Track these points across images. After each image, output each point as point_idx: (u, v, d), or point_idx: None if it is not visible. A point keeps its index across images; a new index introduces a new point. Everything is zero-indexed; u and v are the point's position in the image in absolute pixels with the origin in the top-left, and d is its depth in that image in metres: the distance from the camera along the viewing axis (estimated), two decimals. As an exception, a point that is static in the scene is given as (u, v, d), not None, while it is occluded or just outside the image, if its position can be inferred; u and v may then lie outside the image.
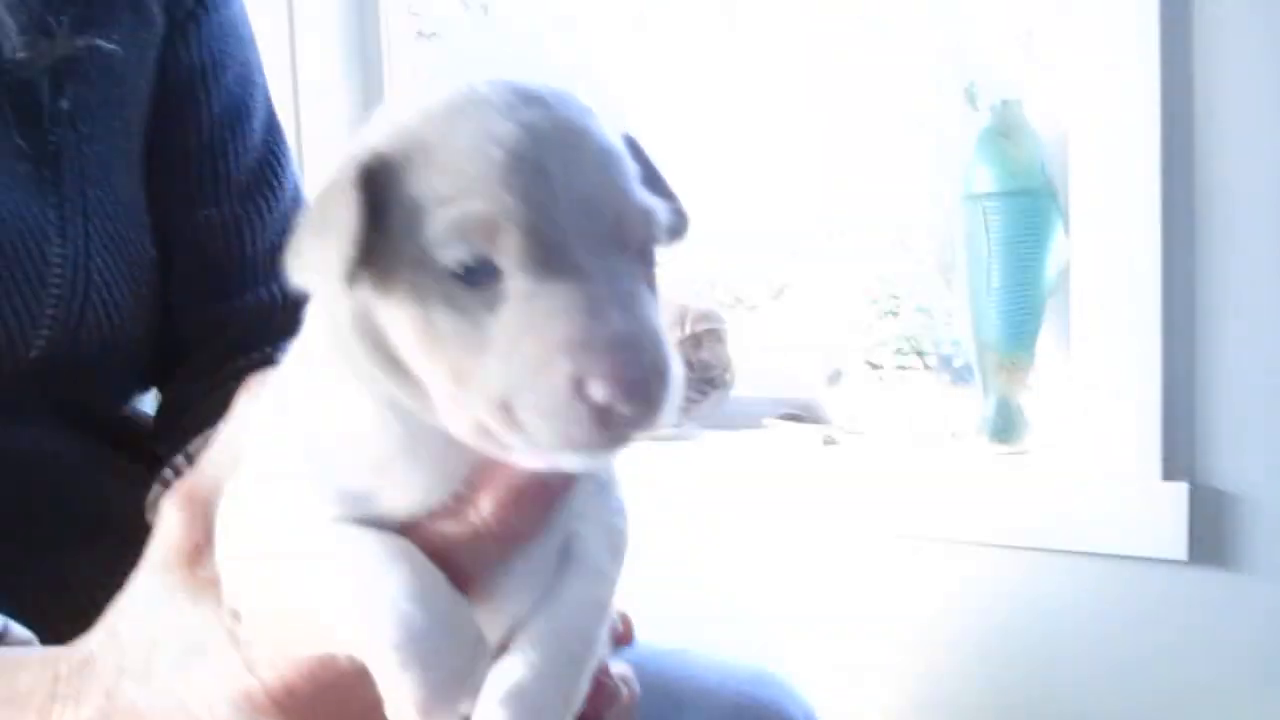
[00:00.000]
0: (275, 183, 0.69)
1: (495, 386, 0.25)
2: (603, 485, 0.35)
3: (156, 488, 0.57)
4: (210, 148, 0.65)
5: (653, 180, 0.30)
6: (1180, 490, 1.00)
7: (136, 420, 0.72)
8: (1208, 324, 1.01)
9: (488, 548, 0.31)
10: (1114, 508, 1.03)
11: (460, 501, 0.31)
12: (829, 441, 1.20)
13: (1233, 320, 1.00)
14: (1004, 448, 1.13)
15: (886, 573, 1.16)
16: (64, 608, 0.44)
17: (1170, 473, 1.01)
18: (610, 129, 0.28)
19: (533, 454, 0.27)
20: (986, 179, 1.09)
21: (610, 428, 0.25)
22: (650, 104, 1.42)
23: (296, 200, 0.70)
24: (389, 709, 0.29)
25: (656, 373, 0.26)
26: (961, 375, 1.39)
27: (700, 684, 0.77)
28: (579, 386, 0.25)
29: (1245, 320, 0.99)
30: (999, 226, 1.09)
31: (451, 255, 0.25)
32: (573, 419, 0.25)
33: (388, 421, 0.30)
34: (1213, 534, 1.01)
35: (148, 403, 0.74)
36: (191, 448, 0.58)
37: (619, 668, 0.42)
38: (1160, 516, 1.01)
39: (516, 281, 0.26)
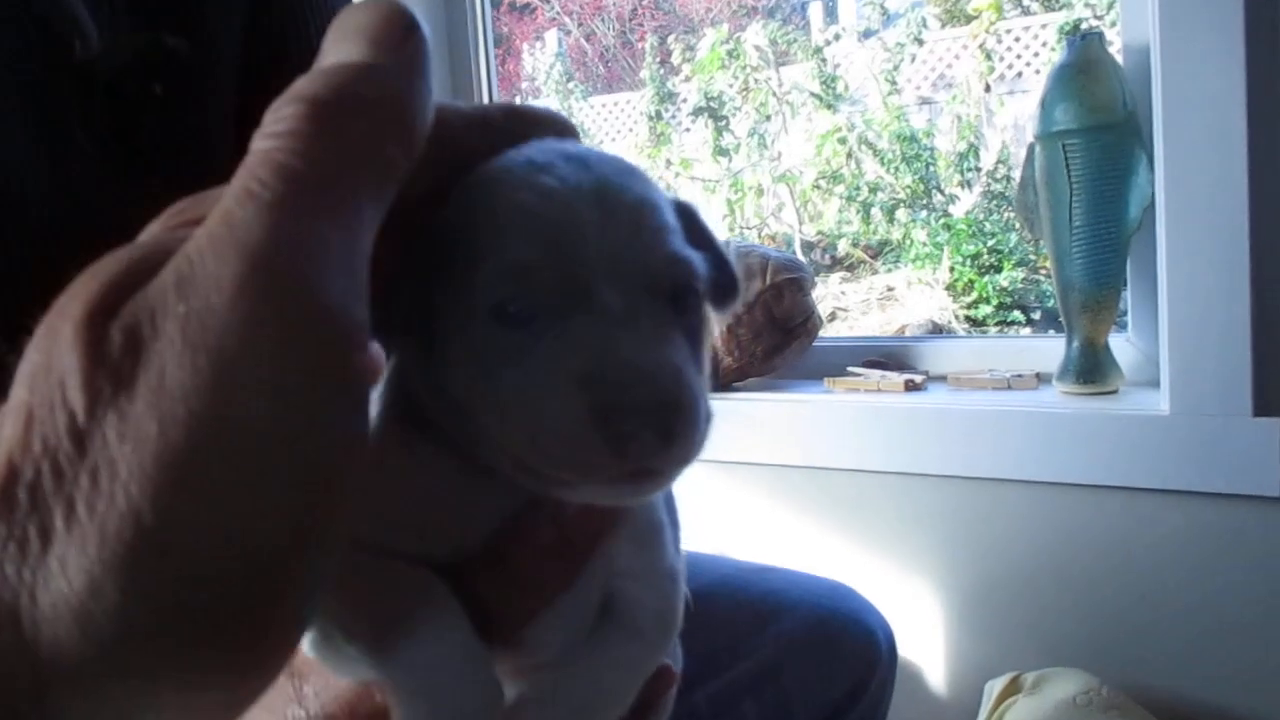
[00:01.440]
0: None
1: (528, 421, 0.26)
2: (646, 542, 0.35)
3: None
4: None
5: (703, 243, 0.31)
6: (1272, 426, 0.98)
7: None
8: (1300, 255, 0.98)
9: (516, 597, 0.32)
10: (1204, 445, 1.02)
11: (492, 550, 0.32)
12: (913, 386, 1.20)
13: (1326, 250, 0.97)
14: (1090, 388, 1.12)
15: (971, 514, 1.16)
16: None
17: (1261, 409, 0.99)
18: (653, 186, 0.30)
19: (567, 490, 0.28)
20: (1066, 116, 1.07)
21: (629, 458, 0.26)
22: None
23: None
24: None
25: (676, 406, 0.26)
26: (1058, 325, 1.38)
27: (784, 599, 0.81)
28: (597, 416, 0.25)
29: (1339, 250, 0.97)
30: (1079, 164, 1.08)
31: (493, 298, 0.27)
32: (592, 449, 0.26)
33: (440, 463, 0.31)
34: (1306, 469, 0.99)
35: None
36: None
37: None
38: (1252, 452, 1.00)
39: (547, 323, 0.27)
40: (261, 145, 0.22)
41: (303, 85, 0.23)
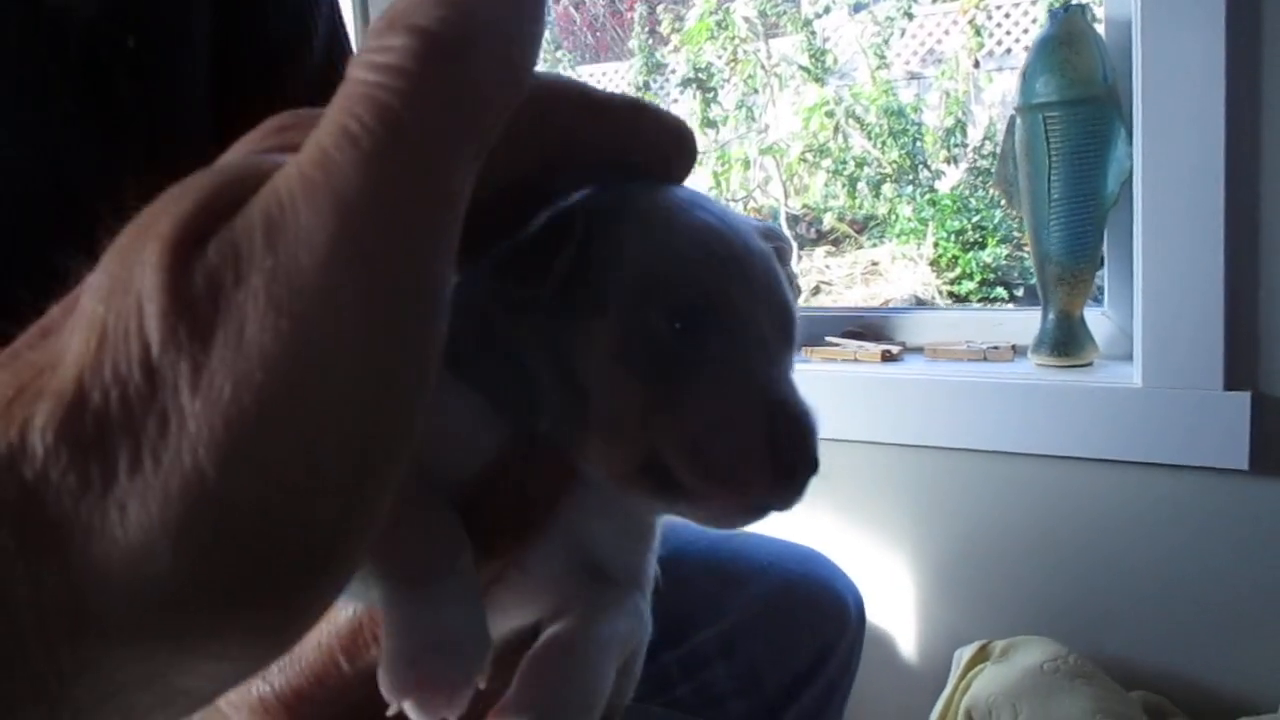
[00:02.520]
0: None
1: (690, 425, 0.27)
2: (636, 539, 0.35)
3: None
4: (271, 67, 0.66)
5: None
6: (1242, 400, 0.99)
7: None
8: (1272, 232, 0.99)
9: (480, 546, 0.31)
10: (1175, 418, 1.03)
11: (465, 497, 0.31)
12: (890, 356, 1.21)
13: (1300, 226, 0.98)
14: (1065, 361, 1.13)
15: (945, 484, 1.18)
16: None
17: (1231, 382, 1.00)
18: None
19: (686, 501, 0.29)
20: (1047, 88, 1.08)
21: (779, 488, 0.28)
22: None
23: None
24: (384, 680, 0.28)
25: (816, 460, 0.28)
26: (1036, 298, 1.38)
27: (754, 563, 0.82)
28: (774, 442, 0.27)
29: (1313, 226, 0.97)
30: (1059, 137, 1.08)
31: (676, 301, 0.28)
32: (756, 468, 0.27)
33: (467, 401, 0.31)
34: (1275, 443, 1.00)
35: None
36: None
37: None
38: (1222, 426, 1.01)
39: (723, 345, 0.28)
40: (362, 76, 0.19)
41: (411, 10, 0.20)
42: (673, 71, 2.99)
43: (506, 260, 0.28)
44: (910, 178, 2.75)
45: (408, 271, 0.19)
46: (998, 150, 1.19)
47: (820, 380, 1.21)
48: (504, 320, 0.30)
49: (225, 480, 0.17)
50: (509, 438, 0.31)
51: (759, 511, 0.29)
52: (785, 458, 0.27)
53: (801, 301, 2.12)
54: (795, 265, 1.29)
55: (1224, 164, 0.98)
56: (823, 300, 2.51)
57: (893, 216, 2.73)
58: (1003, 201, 1.20)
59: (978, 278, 2.47)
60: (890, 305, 2.44)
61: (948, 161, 2.72)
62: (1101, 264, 1.17)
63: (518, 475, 0.31)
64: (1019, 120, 1.13)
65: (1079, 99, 1.07)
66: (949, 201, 2.64)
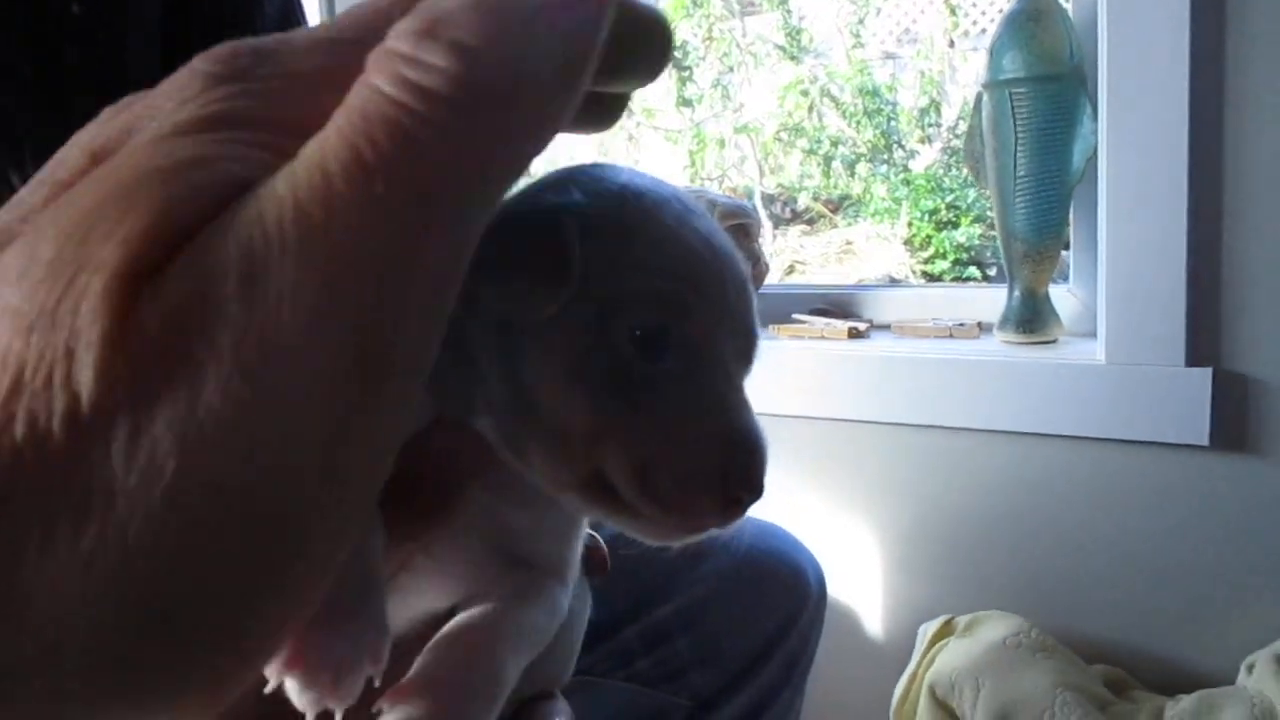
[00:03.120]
0: None
1: (640, 446, 0.27)
2: (560, 537, 0.35)
3: None
4: (222, 34, 0.67)
5: None
6: (1204, 376, 1.00)
7: None
8: (1234, 211, 0.99)
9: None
10: (1138, 395, 1.04)
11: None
12: (856, 334, 1.21)
13: (1260, 207, 0.98)
14: (1030, 338, 1.13)
15: (909, 460, 1.18)
16: None
17: (1194, 359, 1.01)
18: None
19: (627, 517, 0.28)
20: (1014, 64, 1.07)
21: (725, 515, 0.28)
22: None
23: None
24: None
25: (762, 489, 0.28)
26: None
27: (714, 537, 0.82)
28: (726, 477, 0.27)
29: (1272, 207, 0.98)
30: (1025, 113, 1.08)
31: (636, 318, 0.27)
32: (706, 499, 0.27)
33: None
34: (1235, 419, 1.01)
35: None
36: None
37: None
38: (1184, 402, 1.02)
39: (681, 364, 0.28)
40: (389, 91, 0.16)
41: (458, 19, 0.16)
42: (648, 49, 2.96)
43: (492, 270, 0.25)
44: (885, 157, 2.76)
45: (404, 353, 0.16)
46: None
47: (787, 357, 1.21)
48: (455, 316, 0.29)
49: (156, 574, 0.14)
50: (430, 419, 0.30)
51: (699, 531, 0.28)
52: (734, 489, 0.27)
53: (776, 280, 2.12)
54: (769, 244, 1.29)
55: (1187, 142, 0.98)
56: (796, 279, 2.51)
57: (867, 196, 2.73)
58: (974, 180, 1.20)
59: (951, 257, 2.48)
60: (863, 284, 2.44)
61: (922, 141, 2.72)
62: (1068, 242, 1.17)
63: (435, 458, 0.29)
64: (986, 97, 1.13)
65: (1045, 76, 1.07)
66: (923, 181, 2.65)
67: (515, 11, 0.16)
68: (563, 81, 0.17)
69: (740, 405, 0.29)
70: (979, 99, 1.15)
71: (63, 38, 0.57)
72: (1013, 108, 1.08)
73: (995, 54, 1.10)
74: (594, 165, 0.30)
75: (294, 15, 0.71)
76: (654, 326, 0.27)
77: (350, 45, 0.18)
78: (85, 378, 0.14)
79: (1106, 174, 1.02)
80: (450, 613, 0.33)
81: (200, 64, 0.18)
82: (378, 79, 0.16)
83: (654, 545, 0.30)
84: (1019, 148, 1.09)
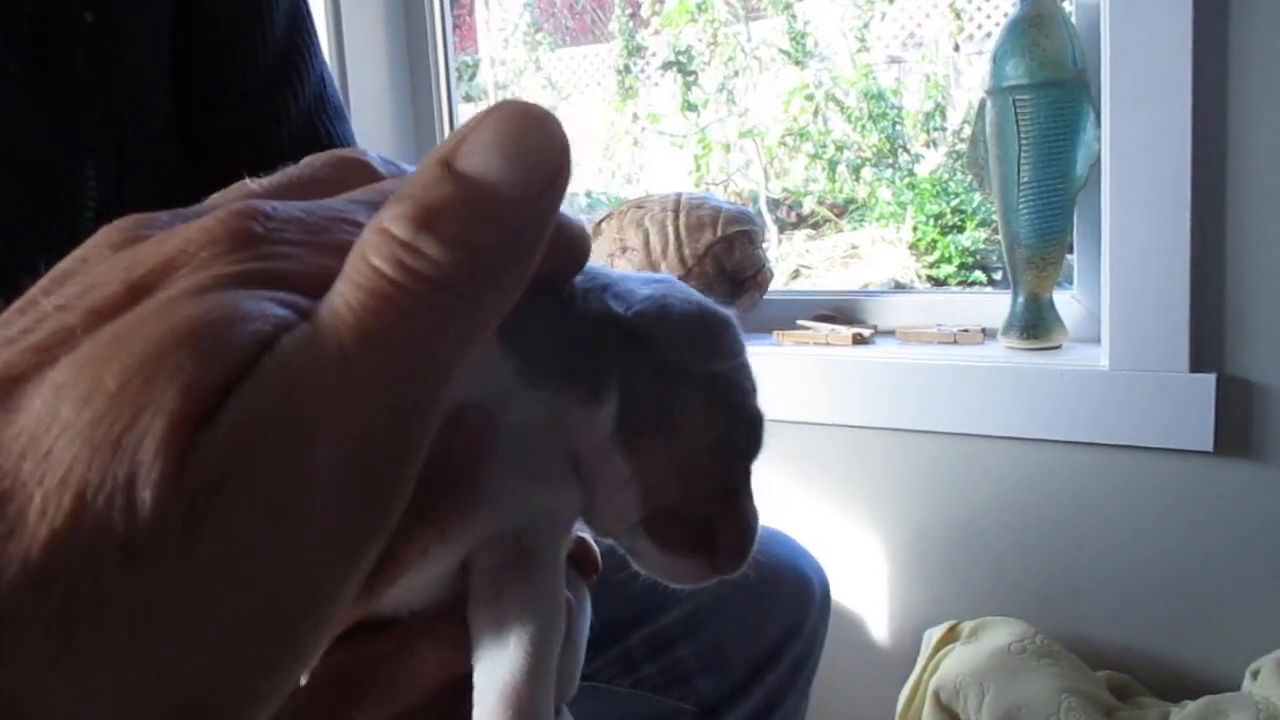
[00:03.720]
0: (300, 74, 0.70)
1: (743, 518, 0.33)
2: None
3: None
4: (232, 45, 0.67)
5: None
6: (1207, 382, 1.00)
7: None
8: (1237, 216, 1.00)
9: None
10: (1141, 400, 1.04)
11: None
12: (861, 340, 1.21)
13: (1263, 213, 0.99)
14: (1034, 343, 1.13)
15: (914, 466, 1.18)
16: None
17: (1197, 364, 1.01)
18: None
19: (656, 558, 0.32)
20: (1016, 70, 1.08)
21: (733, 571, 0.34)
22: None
23: (322, 89, 0.71)
24: None
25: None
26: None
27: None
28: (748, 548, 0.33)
29: (1275, 213, 0.98)
30: (1029, 120, 1.08)
31: (758, 438, 0.34)
32: (745, 558, 0.33)
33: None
34: (1239, 425, 1.01)
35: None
36: None
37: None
38: (1187, 408, 1.02)
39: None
40: (391, 274, 0.19)
41: (455, 221, 0.19)
42: (653, 54, 2.98)
43: (555, 365, 0.29)
44: (890, 161, 2.76)
45: (403, 489, 0.19)
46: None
47: (791, 363, 1.21)
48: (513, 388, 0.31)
49: (190, 686, 0.17)
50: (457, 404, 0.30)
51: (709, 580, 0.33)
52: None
53: (780, 285, 2.12)
54: (774, 248, 1.30)
55: (1190, 148, 0.98)
56: (803, 285, 2.51)
57: (872, 200, 2.73)
58: (977, 186, 1.20)
59: (956, 261, 2.48)
60: (868, 289, 2.44)
61: (927, 145, 2.72)
62: (1071, 248, 1.17)
63: (463, 441, 0.30)
64: (989, 103, 1.13)
65: (1048, 82, 1.07)
66: (928, 185, 2.64)
67: (499, 208, 0.20)
68: (526, 267, 0.21)
69: (750, 494, 0.35)
70: (982, 105, 1.15)
71: (74, 47, 0.58)
72: (1016, 114, 1.09)
73: (998, 60, 1.10)
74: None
75: (301, 26, 0.71)
76: (760, 437, 0.34)
77: (353, 218, 0.21)
78: (145, 508, 0.16)
79: (1110, 179, 1.03)
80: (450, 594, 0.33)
81: (231, 220, 0.20)
82: (377, 260, 0.19)
83: (665, 581, 0.33)
84: (1022, 154, 1.09)
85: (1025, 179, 1.10)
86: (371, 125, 1.56)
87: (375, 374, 0.18)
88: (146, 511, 0.16)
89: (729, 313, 0.33)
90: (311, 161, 0.24)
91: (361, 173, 0.25)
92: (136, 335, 0.18)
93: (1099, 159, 1.05)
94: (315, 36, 0.73)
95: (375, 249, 0.19)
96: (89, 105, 0.58)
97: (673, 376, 0.31)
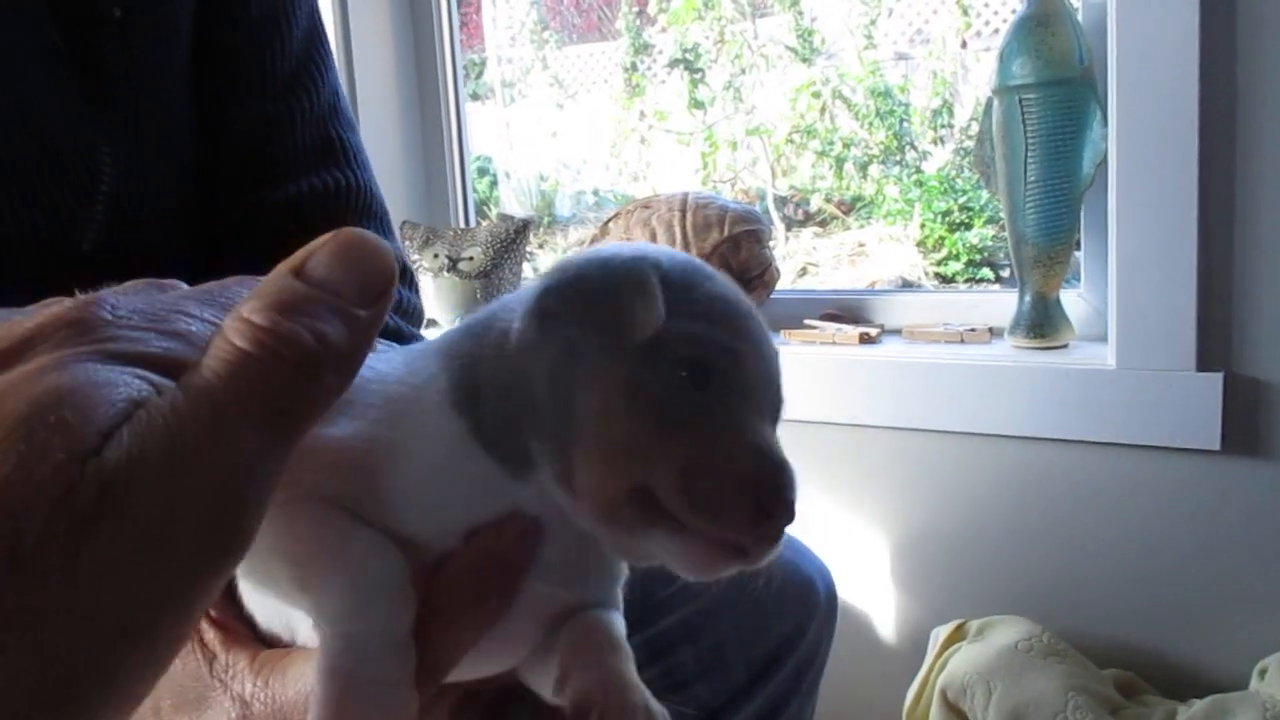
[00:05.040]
0: (315, 83, 0.72)
1: (683, 458, 0.30)
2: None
3: None
4: (252, 47, 0.68)
5: None
6: (1214, 380, 1.00)
7: None
8: (1245, 215, 0.99)
9: (463, 592, 0.32)
10: (1148, 399, 1.04)
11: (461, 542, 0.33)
12: (867, 339, 1.21)
13: (1271, 211, 0.98)
14: (1041, 342, 1.13)
15: (922, 465, 1.18)
16: None
17: (1204, 363, 1.01)
18: None
19: (664, 532, 0.30)
20: (1023, 69, 1.07)
21: (757, 529, 0.30)
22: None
23: (336, 100, 0.73)
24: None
25: (794, 510, 0.30)
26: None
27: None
28: (759, 486, 0.29)
29: (1285, 208, 0.98)
30: (1035, 118, 1.08)
31: (690, 352, 0.31)
32: (739, 507, 0.29)
33: (452, 452, 0.33)
34: (1246, 423, 1.01)
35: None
36: None
37: None
38: (1195, 407, 1.02)
39: (725, 397, 0.31)
40: (287, 333, 0.23)
41: (317, 315, 0.24)
42: (660, 52, 2.98)
43: (589, 304, 0.31)
44: (897, 158, 2.75)
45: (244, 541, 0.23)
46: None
47: (798, 363, 1.21)
48: (511, 358, 0.33)
49: (70, 677, 0.20)
50: (505, 509, 0.33)
51: (734, 555, 0.30)
52: (767, 501, 0.29)
53: (788, 282, 2.12)
54: (781, 245, 1.30)
55: (1197, 146, 0.98)
56: (810, 282, 2.51)
57: (880, 197, 2.73)
58: (984, 185, 1.20)
59: (964, 258, 2.47)
60: (877, 286, 2.44)
61: (934, 142, 2.72)
62: (1078, 246, 1.17)
63: (506, 542, 0.33)
64: (996, 102, 1.13)
65: (1055, 80, 1.07)
66: (935, 182, 2.64)
67: (340, 306, 0.25)
68: (360, 356, 0.26)
69: (774, 440, 0.31)
70: (989, 104, 1.15)
71: (104, 40, 0.59)
72: (1022, 113, 1.09)
73: (1004, 59, 1.10)
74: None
75: (318, 31, 0.73)
76: (704, 362, 0.31)
77: (188, 310, 0.25)
78: (33, 523, 0.19)
79: (1117, 178, 1.02)
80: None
81: (80, 307, 0.24)
82: (239, 341, 0.23)
83: (688, 575, 0.31)
84: (1029, 153, 1.09)
85: (1032, 178, 1.10)
86: (379, 123, 1.56)
87: (238, 428, 0.22)
88: (38, 528, 0.19)
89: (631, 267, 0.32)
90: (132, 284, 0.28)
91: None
92: (41, 380, 0.21)
93: (1105, 158, 1.05)
94: (330, 50, 0.75)
95: (238, 333, 0.23)
96: (112, 94, 0.60)
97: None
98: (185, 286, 0.28)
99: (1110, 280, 1.06)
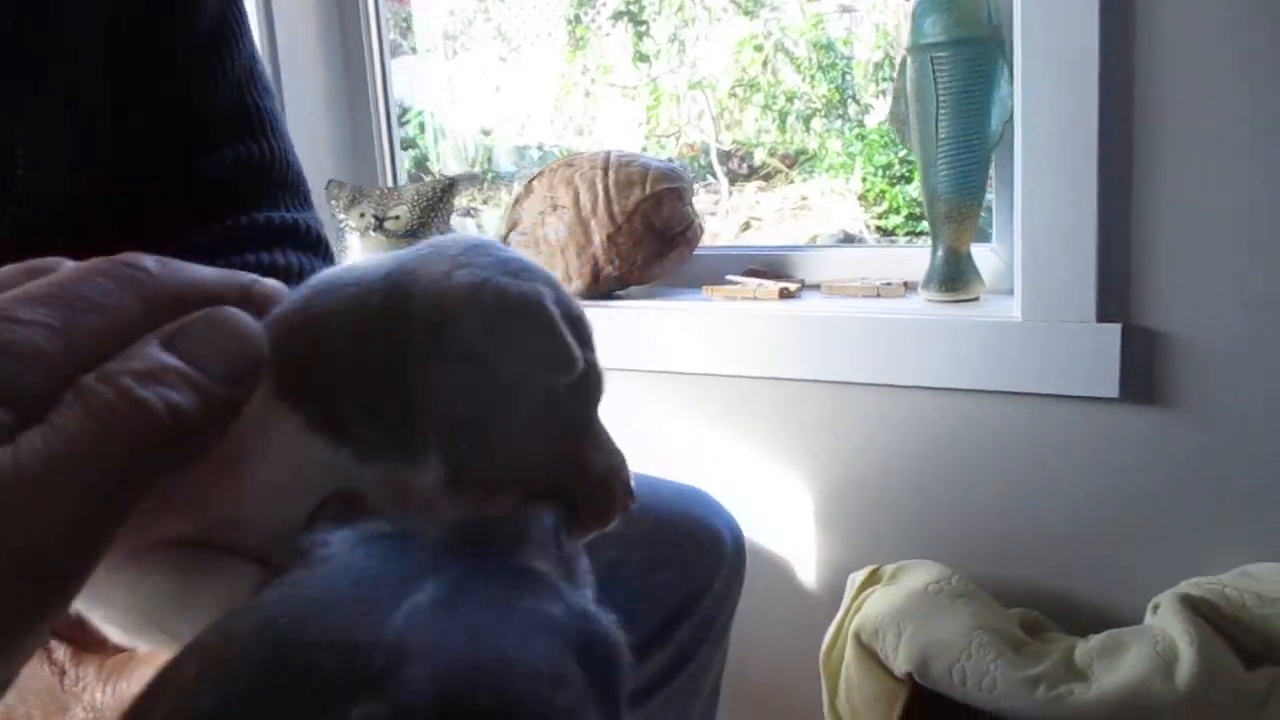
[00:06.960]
0: (230, 46, 0.71)
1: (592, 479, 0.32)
2: None
3: None
4: (167, 12, 0.66)
5: None
6: (1113, 331, 1.04)
7: None
8: (1143, 171, 1.03)
9: None
10: (1051, 350, 1.07)
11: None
12: (787, 294, 1.24)
13: (1168, 168, 1.02)
14: (953, 296, 1.16)
15: (839, 417, 1.22)
16: None
17: (1104, 314, 1.05)
18: None
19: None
20: (934, 28, 1.09)
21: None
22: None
23: (253, 64, 0.72)
24: None
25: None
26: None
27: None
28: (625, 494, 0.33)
29: (1179, 168, 1.01)
30: (946, 77, 1.10)
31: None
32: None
33: (302, 465, 0.30)
34: (1142, 372, 1.05)
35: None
36: None
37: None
38: (1095, 356, 1.05)
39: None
40: (149, 402, 0.24)
41: (193, 378, 0.25)
42: (604, 4, 2.95)
43: (509, 350, 0.31)
44: (840, 112, 2.76)
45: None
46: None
47: (720, 317, 1.23)
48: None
49: None
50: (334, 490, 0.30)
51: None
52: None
53: (731, 238, 2.15)
54: (725, 200, 1.31)
55: (1097, 106, 1.01)
56: (754, 237, 2.53)
57: (823, 151, 2.74)
58: (901, 142, 1.22)
59: (904, 212, 2.50)
60: (818, 241, 2.46)
61: (877, 95, 2.73)
62: (988, 199, 1.20)
63: None
64: (909, 60, 1.15)
65: (964, 39, 1.09)
66: (877, 136, 2.65)
67: (203, 382, 0.25)
68: (219, 429, 0.27)
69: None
70: (903, 62, 1.17)
71: (5, 6, 0.57)
72: (934, 71, 1.11)
73: (917, 17, 1.12)
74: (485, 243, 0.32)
75: (233, 4, 0.72)
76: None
77: (41, 313, 0.25)
78: None
79: (1022, 137, 1.05)
80: None
81: None
82: (91, 399, 0.23)
83: None
84: (940, 110, 1.11)
85: (943, 135, 1.12)
86: (303, 81, 1.55)
87: (73, 491, 0.22)
88: None
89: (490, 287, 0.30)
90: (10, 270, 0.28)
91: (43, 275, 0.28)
92: None
93: (1013, 116, 1.08)
94: (245, 14, 0.74)
95: (91, 392, 0.23)
96: (17, 67, 0.58)
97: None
98: (68, 264, 0.27)
99: (1015, 235, 1.09)
